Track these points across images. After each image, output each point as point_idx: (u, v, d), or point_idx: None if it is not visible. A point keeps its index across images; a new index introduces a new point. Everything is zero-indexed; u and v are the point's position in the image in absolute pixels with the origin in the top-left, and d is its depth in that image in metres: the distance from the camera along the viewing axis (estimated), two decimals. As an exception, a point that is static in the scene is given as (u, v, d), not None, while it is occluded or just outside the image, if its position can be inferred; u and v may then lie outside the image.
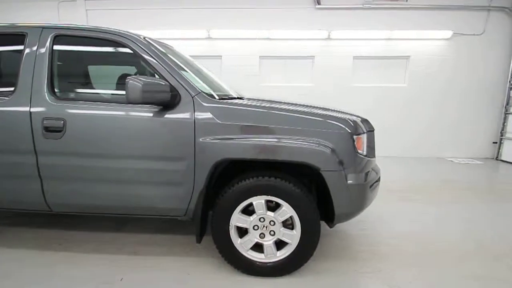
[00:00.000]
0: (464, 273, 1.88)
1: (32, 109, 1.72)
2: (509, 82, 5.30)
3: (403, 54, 5.41)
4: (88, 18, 5.59)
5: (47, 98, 1.73)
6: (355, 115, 1.95)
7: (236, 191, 1.70)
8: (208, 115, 1.68)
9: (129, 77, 1.53)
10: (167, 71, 1.73)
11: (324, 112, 1.82)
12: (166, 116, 1.69)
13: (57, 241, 2.23)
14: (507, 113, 5.40)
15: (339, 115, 1.82)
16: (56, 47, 1.81)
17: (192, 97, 1.71)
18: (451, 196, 3.46)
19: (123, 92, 1.64)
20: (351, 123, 1.74)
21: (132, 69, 1.99)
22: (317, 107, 2.00)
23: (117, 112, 1.72)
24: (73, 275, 1.81)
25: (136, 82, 1.52)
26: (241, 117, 1.69)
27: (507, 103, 5.36)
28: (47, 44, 1.80)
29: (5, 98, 1.77)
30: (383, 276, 1.84)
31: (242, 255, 1.79)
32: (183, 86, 1.72)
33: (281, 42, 5.48)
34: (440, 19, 5.22)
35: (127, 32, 1.82)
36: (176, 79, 1.72)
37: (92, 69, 2.00)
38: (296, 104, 2.01)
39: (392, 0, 5.12)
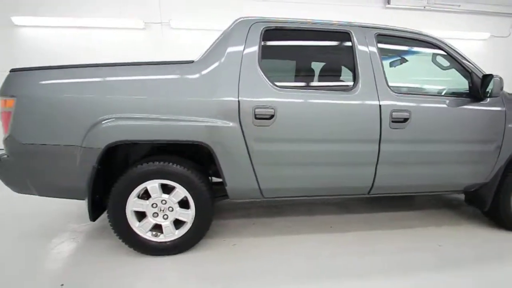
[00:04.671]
0: None
1: (381, 103, 1.91)
2: (527, 76, 6.59)
3: (450, 51, 6.30)
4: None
5: (391, 92, 1.94)
6: None
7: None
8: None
9: (495, 75, 1.85)
10: (479, 70, 2.07)
11: None
12: (483, 107, 2.05)
13: (328, 225, 2.43)
14: (524, 102, 6.72)
15: None
16: (379, 46, 2.00)
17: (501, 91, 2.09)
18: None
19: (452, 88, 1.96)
20: None
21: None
22: None
23: (451, 106, 2.02)
24: (378, 249, 2.06)
25: (499, 79, 1.85)
26: None
27: (524, 93, 6.68)
28: (374, 42, 1.97)
29: (343, 91, 1.91)
30: None
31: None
32: None
33: (352, 37, 5.90)
34: (479, 23, 6.19)
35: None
36: None
37: (407, 66, 2.22)
38: None
39: (448, 5, 5.91)
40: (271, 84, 1.83)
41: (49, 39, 5.14)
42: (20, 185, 1.85)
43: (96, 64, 1.76)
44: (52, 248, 2.03)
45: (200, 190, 1.85)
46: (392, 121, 1.92)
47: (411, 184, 2.12)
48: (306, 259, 1.92)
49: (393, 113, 1.91)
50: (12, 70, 1.78)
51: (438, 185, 2.16)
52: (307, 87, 1.95)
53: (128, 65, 1.80)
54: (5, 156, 1.81)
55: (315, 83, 2.08)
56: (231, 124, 1.77)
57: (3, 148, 1.83)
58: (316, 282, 1.69)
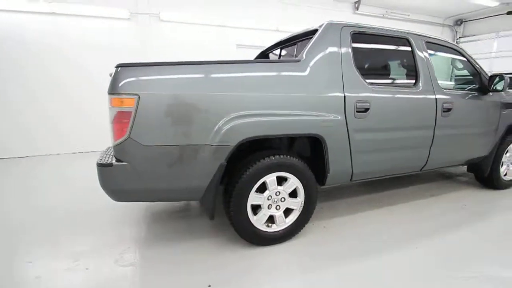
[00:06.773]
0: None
1: (437, 96, 2.39)
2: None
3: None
4: None
5: (442, 88, 2.44)
6: None
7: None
8: (504, 96, 2.85)
9: (504, 75, 2.50)
10: (485, 71, 2.74)
11: None
12: (489, 99, 2.74)
13: (378, 201, 2.85)
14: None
15: None
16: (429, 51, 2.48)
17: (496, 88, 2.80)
18: None
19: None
20: None
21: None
22: None
23: (471, 98, 2.64)
24: (426, 215, 2.64)
25: (507, 79, 2.51)
26: None
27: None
28: (426, 48, 2.44)
29: (408, 87, 2.33)
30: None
31: None
32: None
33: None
34: (422, 29, 7.53)
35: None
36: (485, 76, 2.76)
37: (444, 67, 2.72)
38: None
39: (400, 14, 7.06)
40: (364, 81, 2.11)
41: (20, 25, 4.23)
42: (130, 192, 1.70)
43: (223, 61, 1.74)
44: (177, 253, 1.91)
45: (310, 179, 2.02)
46: (443, 111, 2.43)
47: (446, 161, 2.71)
48: (386, 229, 2.29)
49: (444, 104, 2.43)
50: (120, 66, 1.61)
51: (459, 159, 2.80)
52: (387, 84, 2.30)
53: (253, 62, 1.83)
54: (116, 161, 1.64)
55: (390, 81, 2.45)
56: (339, 117, 1.99)
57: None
58: (410, 244, 2.08)
